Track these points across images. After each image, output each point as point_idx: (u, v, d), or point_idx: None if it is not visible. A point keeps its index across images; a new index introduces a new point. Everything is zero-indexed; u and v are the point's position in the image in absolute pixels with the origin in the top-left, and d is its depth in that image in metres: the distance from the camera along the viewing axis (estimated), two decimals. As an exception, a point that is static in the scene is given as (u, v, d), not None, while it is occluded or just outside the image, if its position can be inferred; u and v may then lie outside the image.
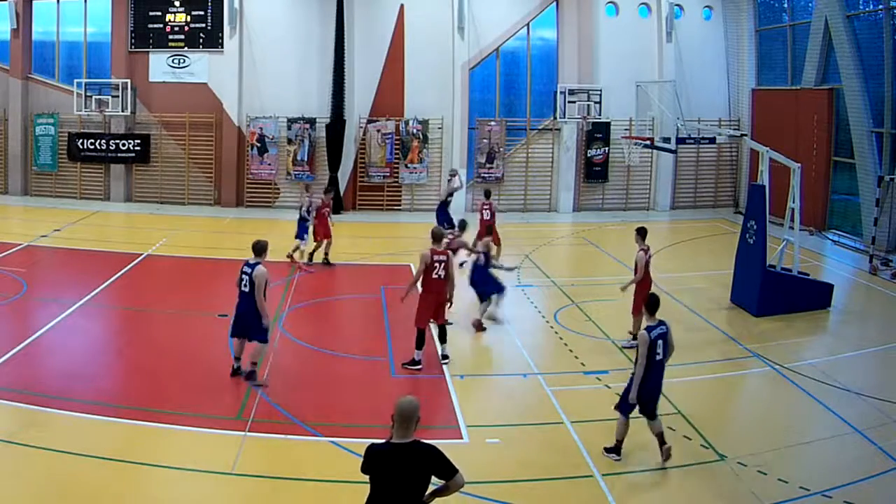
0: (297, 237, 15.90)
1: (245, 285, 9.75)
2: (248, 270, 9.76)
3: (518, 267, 14.56)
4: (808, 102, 20.85)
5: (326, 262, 16.13)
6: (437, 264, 10.57)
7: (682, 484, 7.81)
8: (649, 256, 11.88)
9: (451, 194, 17.31)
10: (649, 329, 7.91)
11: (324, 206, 16.16)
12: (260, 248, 9.95)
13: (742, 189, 24.07)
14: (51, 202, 22.72)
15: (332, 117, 22.34)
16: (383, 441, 5.10)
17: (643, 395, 7.94)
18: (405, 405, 5.06)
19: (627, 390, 8.10)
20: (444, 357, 10.92)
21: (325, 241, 16.04)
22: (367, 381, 10.35)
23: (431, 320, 10.80)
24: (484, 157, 23.39)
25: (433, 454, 5.03)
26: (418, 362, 10.66)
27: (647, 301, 8.26)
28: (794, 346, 11.97)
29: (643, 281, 11.75)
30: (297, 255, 15.91)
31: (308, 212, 15.82)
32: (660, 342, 7.93)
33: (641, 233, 12.05)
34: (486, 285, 12.80)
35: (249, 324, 9.79)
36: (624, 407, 8.15)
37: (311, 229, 15.90)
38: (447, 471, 5.03)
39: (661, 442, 8.08)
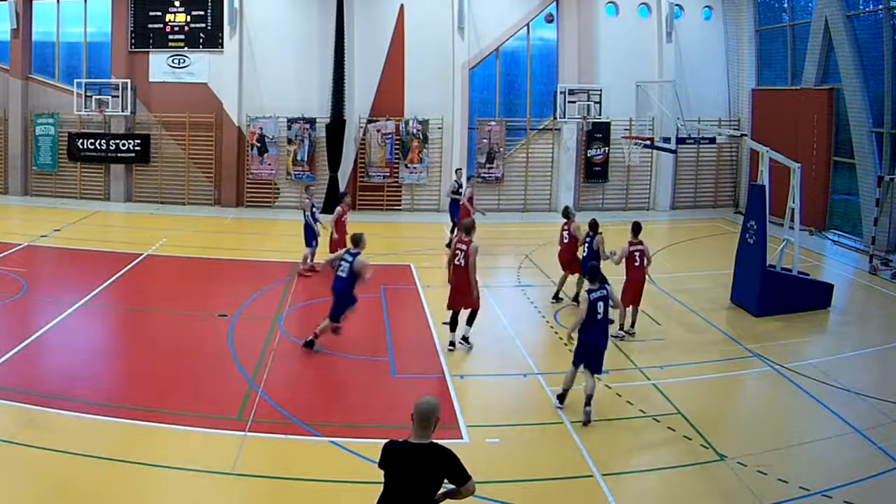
0: (307, 245, 15.37)
1: (343, 271, 10.93)
2: (349, 259, 10.97)
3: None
4: (808, 102, 20.85)
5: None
6: (458, 252, 11.24)
7: (682, 484, 7.81)
8: (636, 251, 12.01)
9: (455, 191, 18.29)
10: (589, 292, 9.22)
11: (344, 213, 15.14)
12: (356, 240, 11.21)
13: (742, 189, 24.07)
14: (51, 202, 22.71)
15: (332, 117, 22.34)
16: (401, 440, 5.10)
17: (589, 349, 9.20)
18: (424, 405, 5.04)
19: (577, 347, 9.36)
20: (451, 345, 11.31)
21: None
22: (367, 381, 10.34)
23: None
24: (484, 157, 23.39)
25: (448, 458, 5.01)
26: (451, 343, 11.42)
27: (588, 271, 9.66)
28: (794, 346, 11.96)
29: (633, 276, 11.94)
30: (302, 261, 15.37)
31: (312, 216, 15.33)
32: (600, 304, 9.17)
33: (635, 228, 12.30)
34: None
35: (340, 303, 11.03)
36: (575, 360, 9.33)
37: (319, 237, 15.31)
38: (460, 476, 5.02)
39: (587, 403, 9.07)
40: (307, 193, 16.05)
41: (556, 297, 14.01)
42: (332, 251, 15.08)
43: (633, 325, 12.16)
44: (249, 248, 18.09)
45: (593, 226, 13.16)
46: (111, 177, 23.30)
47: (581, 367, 9.30)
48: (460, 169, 20.08)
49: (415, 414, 5.02)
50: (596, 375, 9.33)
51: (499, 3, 23.43)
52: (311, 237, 15.38)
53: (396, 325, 12.58)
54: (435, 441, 5.06)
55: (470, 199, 17.69)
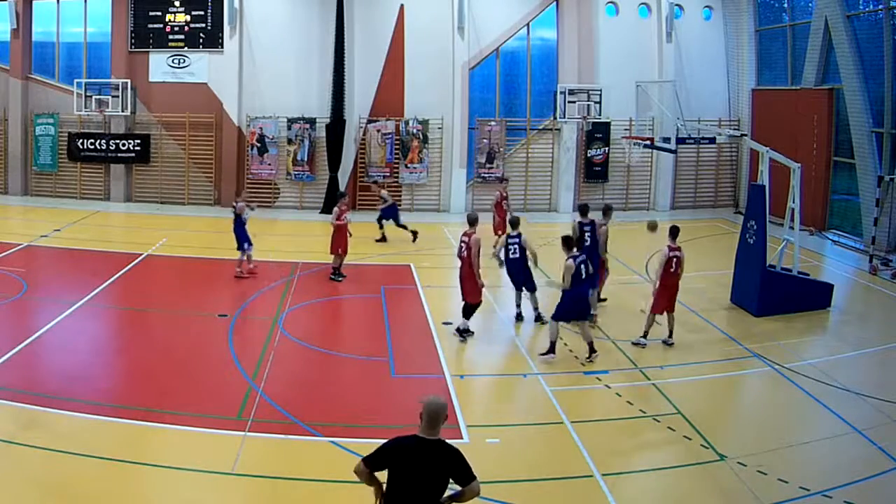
0: (239, 248, 14.86)
1: (514, 252, 12.32)
2: (516, 241, 12.34)
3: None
4: (808, 102, 20.84)
5: (339, 275, 15.08)
6: (462, 244, 11.90)
7: (682, 484, 7.81)
8: (675, 257, 11.69)
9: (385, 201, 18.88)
10: (574, 258, 10.91)
11: (343, 212, 14.95)
12: (515, 222, 12.55)
13: (742, 189, 24.06)
14: (51, 202, 22.72)
15: (332, 117, 22.34)
16: (409, 435, 5.09)
17: (575, 304, 10.83)
18: (435, 404, 5.07)
19: (560, 305, 10.93)
20: (458, 330, 11.88)
21: (343, 255, 15.05)
22: (367, 381, 10.35)
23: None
24: (484, 157, 23.39)
25: (456, 456, 5.05)
26: (464, 331, 11.86)
27: (563, 240, 11.26)
28: (794, 346, 11.95)
29: (669, 283, 11.67)
30: (245, 263, 15.01)
31: (244, 219, 14.87)
32: (582, 266, 10.91)
33: (673, 232, 11.92)
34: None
35: (523, 280, 12.59)
36: (556, 315, 10.96)
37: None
38: (466, 476, 5.03)
39: (591, 350, 10.89)
40: (241, 197, 15.46)
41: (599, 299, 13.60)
42: (332, 252, 15.08)
43: (646, 334, 11.81)
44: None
45: (583, 210, 13.13)
46: (111, 177, 23.30)
47: (572, 322, 11.26)
48: (377, 182, 20.93)
49: (424, 412, 5.04)
50: (589, 324, 11.36)
51: (499, 3, 23.43)
52: (244, 240, 14.88)
53: (396, 325, 12.58)
54: (443, 439, 5.09)
55: (500, 203, 17.95)
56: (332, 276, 15.04)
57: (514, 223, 12.67)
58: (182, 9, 22.92)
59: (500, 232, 16.57)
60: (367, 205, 23.05)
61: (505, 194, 18.18)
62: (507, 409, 9.67)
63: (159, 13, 22.93)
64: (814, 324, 13.27)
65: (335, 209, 15.13)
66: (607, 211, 13.43)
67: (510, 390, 10.28)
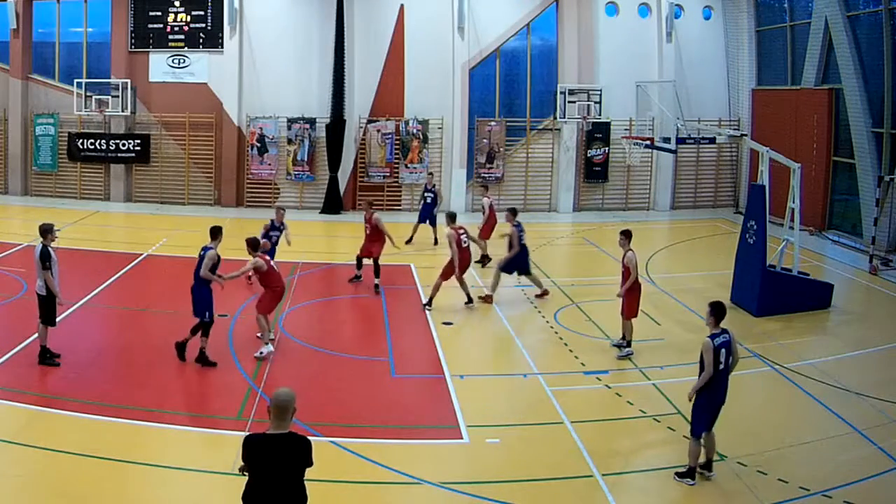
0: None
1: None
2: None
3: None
4: (808, 102, 20.84)
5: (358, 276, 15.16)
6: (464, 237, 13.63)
7: (682, 484, 7.81)
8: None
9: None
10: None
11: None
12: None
13: (742, 189, 24.07)
14: (51, 202, 22.70)
15: (332, 117, 22.35)
16: (261, 432, 5.22)
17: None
18: (282, 396, 5.19)
19: None
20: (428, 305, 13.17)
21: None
22: (367, 381, 10.35)
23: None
24: (484, 157, 23.39)
25: (307, 445, 5.18)
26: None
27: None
28: (794, 346, 11.96)
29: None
30: None
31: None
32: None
33: (627, 235, 11.58)
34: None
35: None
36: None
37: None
38: (309, 463, 5.18)
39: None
40: None
41: None
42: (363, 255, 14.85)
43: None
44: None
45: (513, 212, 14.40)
46: (111, 177, 23.29)
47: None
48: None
49: (272, 405, 5.16)
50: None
51: (499, 3, 23.42)
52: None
53: (396, 325, 12.58)
54: (293, 432, 5.21)
55: (492, 206, 17.39)
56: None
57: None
58: (182, 9, 22.92)
59: (484, 237, 16.94)
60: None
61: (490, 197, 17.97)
62: (507, 409, 9.66)
63: (159, 13, 22.93)
64: (814, 324, 13.28)
65: (376, 215, 14.77)
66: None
67: (510, 390, 10.27)
